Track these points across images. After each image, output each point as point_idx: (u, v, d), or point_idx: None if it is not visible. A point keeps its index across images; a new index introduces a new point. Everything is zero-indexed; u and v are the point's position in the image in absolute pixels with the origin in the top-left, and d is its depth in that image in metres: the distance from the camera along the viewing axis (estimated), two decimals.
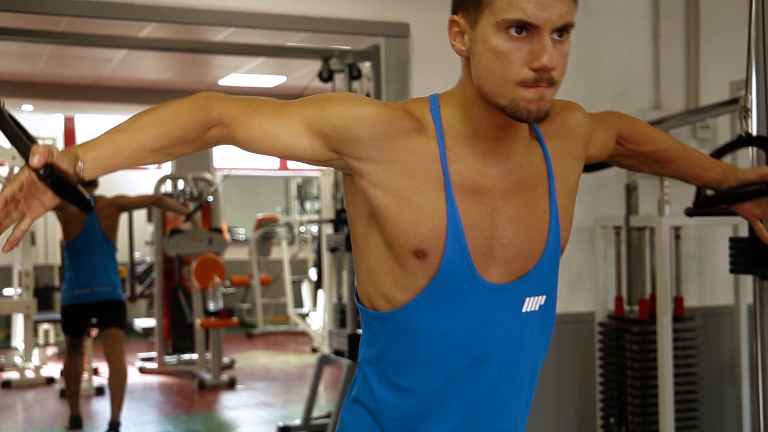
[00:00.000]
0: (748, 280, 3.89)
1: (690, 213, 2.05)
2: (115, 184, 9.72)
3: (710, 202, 1.89)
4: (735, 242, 2.29)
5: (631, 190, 4.05)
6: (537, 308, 1.41)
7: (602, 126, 1.64)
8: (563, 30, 1.26)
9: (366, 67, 4.93)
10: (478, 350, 1.37)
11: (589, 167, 1.70)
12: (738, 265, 2.06)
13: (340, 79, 5.28)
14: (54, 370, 7.74)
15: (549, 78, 1.26)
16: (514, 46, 1.25)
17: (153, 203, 6.10)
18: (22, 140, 1.39)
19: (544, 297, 1.42)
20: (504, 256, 1.37)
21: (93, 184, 5.61)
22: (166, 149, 1.33)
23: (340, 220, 5.43)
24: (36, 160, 1.19)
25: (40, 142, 7.65)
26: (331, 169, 1.42)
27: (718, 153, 2.01)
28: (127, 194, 5.84)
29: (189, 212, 6.50)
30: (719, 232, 4.44)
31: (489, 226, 1.36)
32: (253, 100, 1.40)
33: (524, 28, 1.24)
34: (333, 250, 5.40)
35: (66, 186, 1.23)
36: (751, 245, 2.16)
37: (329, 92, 1.43)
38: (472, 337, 1.36)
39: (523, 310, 1.39)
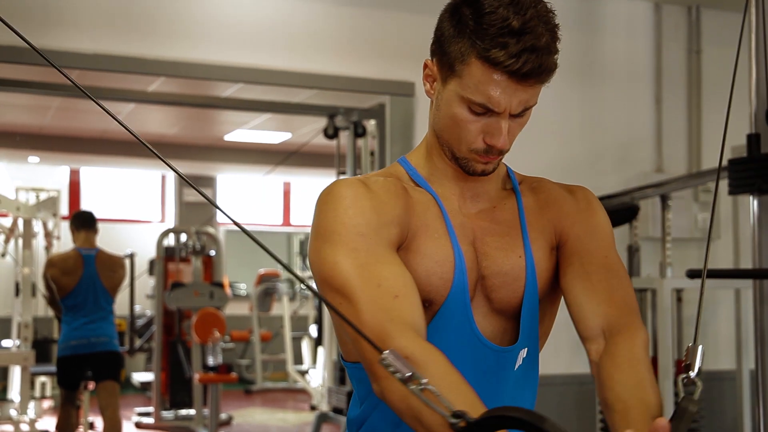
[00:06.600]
0: (750, 346, 3.87)
1: None
2: (116, 236, 9.74)
3: None
4: (734, 162, 2.21)
5: (633, 252, 4.05)
6: (521, 362, 1.42)
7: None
8: (523, 111, 1.32)
9: (371, 124, 4.98)
10: None
11: None
12: (737, 187, 2.01)
13: (344, 136, 5.33)
14: (49, 423, 7.65)
15: (498, 152, 1.34)
16: (473, 119, 1.32)
17: None
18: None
19: (526, 349, 1.42)
20: (490, 284, 1.39)
21: (94, 230, 5.56)
22: None
23: None
24: None
25: (44, 194, 7.48)
26: None
27: None
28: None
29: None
30: (721, 296, 4.43)
31: (475, 262, 1.38)
32: (369, 293, 1.24)
33: (486, 110, 1.31)
34: None
35: None
36: (750, 163, 2.11)
37: (331, 220, 1.31)
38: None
39: (515, 368, 1.40)
